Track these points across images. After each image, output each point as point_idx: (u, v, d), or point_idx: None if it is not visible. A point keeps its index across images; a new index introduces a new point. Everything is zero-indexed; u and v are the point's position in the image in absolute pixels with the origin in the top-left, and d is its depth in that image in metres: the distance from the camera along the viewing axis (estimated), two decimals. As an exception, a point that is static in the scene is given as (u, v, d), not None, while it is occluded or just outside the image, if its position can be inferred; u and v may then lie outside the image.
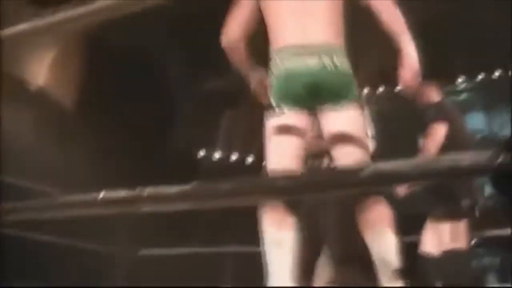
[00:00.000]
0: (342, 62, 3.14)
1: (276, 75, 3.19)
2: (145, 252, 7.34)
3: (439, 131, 5.21)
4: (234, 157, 10.13)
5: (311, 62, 3.10)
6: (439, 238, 5.19)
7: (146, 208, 1.42)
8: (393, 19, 3.12)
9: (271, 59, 3.28)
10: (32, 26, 1.86)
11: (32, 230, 5.99)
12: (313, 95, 3.11)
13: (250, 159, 9.88)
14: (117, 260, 7.32)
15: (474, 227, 5.23)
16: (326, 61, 3.10)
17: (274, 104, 3.18)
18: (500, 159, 1.17)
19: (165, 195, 1.38)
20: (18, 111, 8.23)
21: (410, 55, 3.05)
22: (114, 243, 7.37)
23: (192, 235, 8.74)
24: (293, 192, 1.29)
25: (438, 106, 5.45)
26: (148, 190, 1.41)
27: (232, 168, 9.86)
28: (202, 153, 10.16)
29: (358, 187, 1.30)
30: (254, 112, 9.53)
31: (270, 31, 3.32)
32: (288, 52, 3.17)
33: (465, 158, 1.24)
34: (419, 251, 5.21)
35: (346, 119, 3.10)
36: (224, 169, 9.83)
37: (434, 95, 5.52)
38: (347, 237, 3.79)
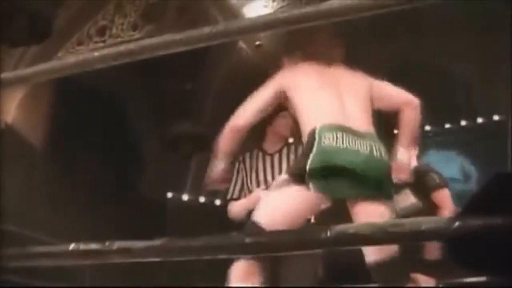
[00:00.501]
0: (384, 152, 3.21)
1: (318, 153, 3.09)
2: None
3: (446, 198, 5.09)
4: (202, 199, 10.14)
5: (361, 147, 3.08)
6: None
7: (116, 260, 1.45)
8: (408, 130, 3.36)
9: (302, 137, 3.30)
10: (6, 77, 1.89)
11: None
12: (356, 180, 3.06)
13: (218, 202, 9.90)
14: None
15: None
16: (374, 148, 3.13)
17: (304, 176, 3.13)
18: (456, 224, 1.22)
19: (134, 249, 1.42)
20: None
21: (402, 162, 3.28)
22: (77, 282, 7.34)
23: (159, 278, 8.70)
24: (260, 250, 1.33)
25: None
26: (118, 244, 1.44)
27: (201, 209, 9.88)
28: (170, 195, 10.17)
29: (321, 248, 1.35)
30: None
31: (302, 113, 3.35)
32: (332, 131, 3.13)
33: (425, 221, 1.29)
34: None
35: (380, 215, 3.06)
36: (193, 211, 9.85)
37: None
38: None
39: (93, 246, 1.45)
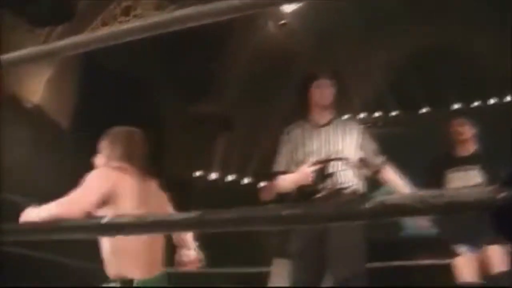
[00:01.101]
0: None
1: None
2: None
3: None
4: (230, 178, 10.15)
5: None
6: (475, 265, 5.10)
7: (151, 233, 1.43)
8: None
9: None
10: (31, 53, 1.86)
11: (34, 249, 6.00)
12: None
13: (246, 180, 9.91)
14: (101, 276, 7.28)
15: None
16: None
17: None
18: (501, 195, 1.19)
19: (169, 222, 1.40)
20: (14, 127, 8.26)
21: None
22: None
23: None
24: (297, 222, 1.30)
25: None
26: (153, 217, 1.42)
27: (228, 188, 9.89)
28: (197, 173, 10.18)
29: (361, 219, 1.32)
30: (249, 135, 9.58)
31: None
32: None
33: (467, 191, 1.26)
34: (457, 283, 5.10)
35: None
36: (220, 190, 9.86)
37: None
38: (352, 263, 3.85)
39: (127, 219, 1.43)
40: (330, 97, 4.35)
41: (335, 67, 4.74)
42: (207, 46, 9.36)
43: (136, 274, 3.14)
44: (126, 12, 9.20)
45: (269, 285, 5.61)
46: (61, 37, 8.85)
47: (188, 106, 9.60)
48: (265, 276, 6.42)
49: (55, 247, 6.13)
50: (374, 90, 10.31)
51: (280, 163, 4.36)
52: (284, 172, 4.28)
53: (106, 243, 3.18)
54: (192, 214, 1.39)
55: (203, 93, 9.53)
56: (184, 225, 1.40)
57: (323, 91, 4.35)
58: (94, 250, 6.93)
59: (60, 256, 6.79)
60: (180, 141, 10.13)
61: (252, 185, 9.87)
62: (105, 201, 3.25)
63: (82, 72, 9.25)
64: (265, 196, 5.38)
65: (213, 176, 10.28)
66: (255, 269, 7.12)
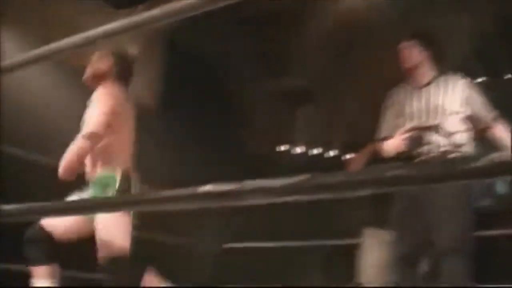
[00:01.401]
0: None
1: None
2: (230, 245, 7.35)
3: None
4: (315, 151, 10.10)
5: None
6: None
7: (250, 201, 1.40)
8: None
9: None
10: (113, 28, 1.86)
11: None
12: None
13: (331, 153, 9.84)
14: (201, 254, 7.39)
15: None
16: None
17: None
18: None
19: (270, 188, 1.37)
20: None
21: None
22: (198, 236, 7.43)
23: (279, 228, 8.74)
24: (404, 183, 1.26)
25: None
26: (253, 183, 1.39)
27: (313, 162, 9.85)
28: (281, 148, 10.17)
29: (471, 178, 1.25)
30: (332, 107, 9.50)
31: None
32: None
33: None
34: None
35: None
36: (305, 164, 9.83)
37: None
38: (456, 231, 3.74)
39: (226, 187, 1.41)
40: (412, 58, 4.28)
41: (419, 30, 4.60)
42: (285, 20, 9.30)
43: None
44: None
45: (361, 257, 5.53)
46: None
47: (269, 81, 9.58)
48: (354, 248, 6.34)
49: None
50: (460, 57, 10.05)
51: (383, 128, 4.30)
52: (387, 138, 4.22)
53: None
54: (294, 180, 1.36)
55: (283, 67, 9.47)
56: (286, 192, 1.37)
57: (404, 53, 4.31)
58: (188, 226, 7.03)
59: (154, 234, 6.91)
60: (262, 116, 10.13)
61: (338, 158, 9.80)
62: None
63: (164, 52, 9.34)
64: (352, 169, 5.31)
65: (298, 150, 10.25)
66: (344, 241, 7.08)
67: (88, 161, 3.74)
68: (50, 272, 3.66)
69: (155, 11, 1.73)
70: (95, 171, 3.73)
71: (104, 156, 3.74)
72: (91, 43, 1.87)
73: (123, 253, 3.62)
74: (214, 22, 8.86)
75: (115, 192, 3.56)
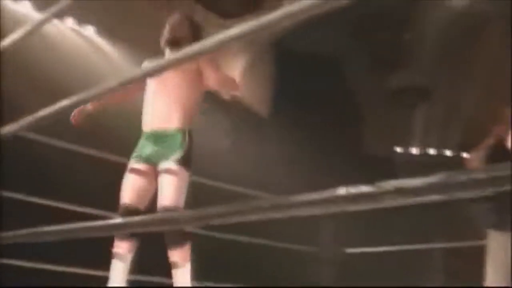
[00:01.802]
0: None
1: None
2: (353, 250, 7.28)
3: None
4: (431, 151, 9.86)
5: None
6: None
7: (389, 203, 1.34)
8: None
9: None
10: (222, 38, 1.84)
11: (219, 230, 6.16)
12: None
13: (448, 153, 9.58)
14: (324, 259, 7.34)
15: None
16: None
17: None
18: None
19: (409, 188, 1.30)
20: (215, 117, 8.53)
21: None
22: (319, 242, 7.40)
23: (397, 232, 8.58)
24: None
25: None
26: (392, 184, 1.33)
27: (431, 162, 9.62)
28: (397, 149, 9.99)
29: None
30: (449, 105, 9.24)
31: None
32: None
33: None
34: None
35: None
36: (423, 164, 9.61)
37: None
38: None
39: (364, 188, 1.35)
40: None
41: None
42: (398, 17, 9.15)
43: None
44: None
45: (487, 262, 5.28)
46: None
47: (383, 80, 9.43)
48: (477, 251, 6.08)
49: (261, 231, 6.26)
50: None
51: None
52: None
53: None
54: (436, 177, 1.29)
55: (398, 66, 9.31)
56: (425, 190, 1.30)
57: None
58: (304, 233, 7.02)
59: (271, 241, 6.92)
60: (378, 116, 9.99)
61: (456, 158, 9.51)
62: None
63: (275, 59, 9.38)
64: (471, 167, 5.14)
65: (414, 150, 10.03)
66: (464, 243, 6.85)
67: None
68: (131, 247, 3.84)
69: (264, 18, 1.70)
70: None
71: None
72: (208, 50, 1.86)
73: (179, 205, 3.75)
74: (326, 24, 8.82)
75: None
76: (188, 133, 3.92)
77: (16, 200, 5.20)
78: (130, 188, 3.88)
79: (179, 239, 3.75)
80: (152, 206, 3.90)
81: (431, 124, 9.93)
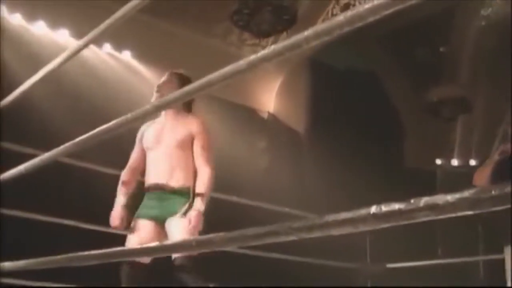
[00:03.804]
0: None
1: None
2: (393, 265, 7.22)
3: None
4: (472, 162, 9.75)
5: None
6: None
7: (421, 219, 1.34)
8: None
9: None
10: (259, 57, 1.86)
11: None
12: None
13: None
14: (365, 275, 7.30)
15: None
16: None
17: None
18: None
19: (443, 205, 1.30)
20: (251, 136, 8.56)
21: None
22: (357, 258, 7.37)
23: (439, 246, 8.50)
24: None
25: None
26: (424, 200, 1.34)
27: (472, 173, 9.50)
28: (438, 161, 9.89)
29: None
30: (489, 116, 9.14)
31: None
32: None
33: None
34: None
35: None
36: (464, 175, 9.50)
37: None
38: None
39: (397, 206, 1.36)
40: None
41: None
42: (433, 30, 9.10)
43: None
44: (346, 10, 9.18)
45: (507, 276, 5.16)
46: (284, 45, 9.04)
47: (422, 93, 9.37)
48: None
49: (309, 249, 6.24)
50: None
51: None
52: None
53: None
54: (467, 193, 1.29)
55: (436, 78, 9.25)
56: (457, 206, 1.30)
57: None
58: (351, 250, 6.98)
59: (311, 258, 6.90)
60: (418, 130, 9.92)
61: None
62: None
63: (311, 75, 9.38)
64: (477, 182, 5.13)
65: (455, 162, 9.93)
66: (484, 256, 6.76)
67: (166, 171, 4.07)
68: None
69: (300, 35, 1.72)
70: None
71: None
72: (244, 71, 1.88)
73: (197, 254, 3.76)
74: (363, 38, 8.82)
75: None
76: (193, 190, 4.03)
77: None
78: (136, 242, 3.94)
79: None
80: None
81: (472, 135, 9.84)
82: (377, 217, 1.40)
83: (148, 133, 4.20)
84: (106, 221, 4.45)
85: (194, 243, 1.81)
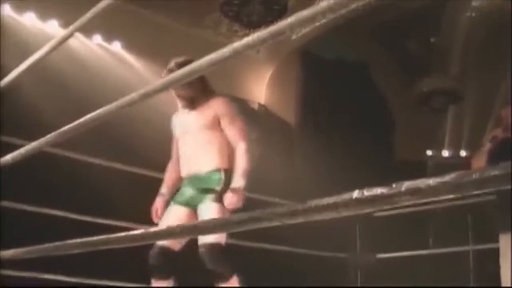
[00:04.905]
0: None
1: None
2: (383, 255, 7.24)
3: None
4: (463, 153, 9.77)
5: None
6: None
7: (404, 203, 1.34)
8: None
9: None
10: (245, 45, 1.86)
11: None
12: None
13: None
14: (355, 265, 7.31)
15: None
16: None
17: None
18: None
19: (424, 189, 1.30)
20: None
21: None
22: (349, 249, 7.38)
23: (428, 236, 8.51)
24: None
25: None
26: (406, 184, 1.34)
27: (462, 164, 9.52)
28: (429, 152, 9.91)
29: None
30: (479, 107, 9.13)
31: None
32: None
33: None
34: None
35: None
36: (455, 166, 9.52)
37: None
38: None
39: (379, 190, 1.36)
40: None
41: None
42: (424, 21, 9.10)
43: None
44: None
45: (501, 265, 5.17)
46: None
47: (413, 84, 9.37)
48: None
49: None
50: None
51: None
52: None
53: None
54: (449, 177, 1.29)
55: (426, 69, 9.25)
56: (439, 190, 1.30)
57: None
58: (334, 239, 6.99)
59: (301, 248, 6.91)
60: (408, 121, 9.93)
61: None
62: None
63: (301, 66, 9.37)
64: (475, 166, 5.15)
65: (446, 153, 9.94)
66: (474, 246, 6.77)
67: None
68: (169, 286, 3.98)
69: (283, 22, 1.71)
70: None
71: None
72: (229, 58, 1.88)
73: (222, 241, 3.86)
74: (352, 30, 8.80)
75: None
76: (225, 171, 4.02)
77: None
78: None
79: (224, 273, 3.85)
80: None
81: (462, 126, 9.85)
82: (359, 201, 1.40)
83: (176, 123, 4.24)
84: (95, 212, 4.45)
85: (178, 229, 1.81)
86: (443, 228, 8.56)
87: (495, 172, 1.22)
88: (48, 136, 2.72)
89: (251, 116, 9.03)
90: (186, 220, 3.98)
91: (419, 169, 9.61)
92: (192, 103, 4.13)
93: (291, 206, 1.48)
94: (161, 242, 3.90)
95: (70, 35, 2.82)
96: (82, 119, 2.48)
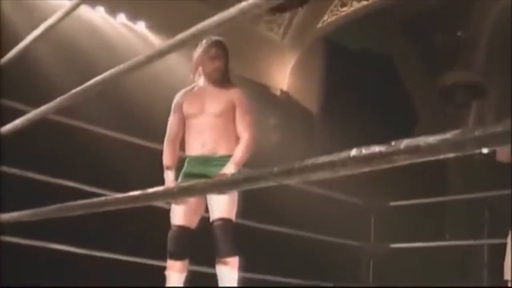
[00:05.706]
0: None
1: None
2: (397, 245, 7.19)
3: None
4: (485, 150, 9.63)
5: None
6: None
7: (403, 161, 1.29)
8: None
9: None
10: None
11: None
12: None
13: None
14: (368, 254, 7.27)
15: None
16: None
17: None
18: None
19: (424, 146, 1.25)
20: (264, 114, 8.51)
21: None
22: (363, 237, 7.34)
23: (443, 227, 8.42)
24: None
25: None
26: (405, 142, 1.28)
27: (484, 160, 9.42)
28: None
29: None
30: (503, 101, 9.03)
31: None
32: None
33: None
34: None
35: None
36: (476, 162, 9.41)
37: None
38: None
39: (377, 148, 1.30)
40: None
41: None
42: (450, 15, 8.99)
43: None
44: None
45: (506, 260, 5.10)
46: (302, 21, 8.99)
47: (436, 78, 9.26)
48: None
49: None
50: None
51: None
52: None
53: None
54: (450, 134, 1.23)
55: (451, 63, 9.13)
56: (439, 148, 1.25)
57: None
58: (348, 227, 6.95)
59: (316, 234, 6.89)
60: (431, 114, 9.82)
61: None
62: None
63: (326, 55, 9.30)
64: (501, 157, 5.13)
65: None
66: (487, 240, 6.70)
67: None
68: (183, 267, 4.10)
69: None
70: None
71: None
72: (235, 18, 1.85)
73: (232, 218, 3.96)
74: (378, 21, 8.72)
75: None
76: None
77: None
78: (181, 209, 4.02)
79: (231, 250, 3.92)
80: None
81: (485, 122, 9.73)
82: (356, 160, 1.36)
83: (189, 100, 4.26)
84: (108, 185, 4.42)
85: (176, 190, 1.78)
86: (459, 221, 8.47)
87: (496, 129, 1.17)
88: (58, 99, 2.70)
89: (272, 102, 9.00)
90: (197, 199, 4.00)
91: (440, 164, 9.53)
92: (222, 78, 4.24)
93: (287, 165, 1.44)
94: (179, 223, 4.00)
95: (79, 4, 2.79)
96: (91, 82, 2.46)
